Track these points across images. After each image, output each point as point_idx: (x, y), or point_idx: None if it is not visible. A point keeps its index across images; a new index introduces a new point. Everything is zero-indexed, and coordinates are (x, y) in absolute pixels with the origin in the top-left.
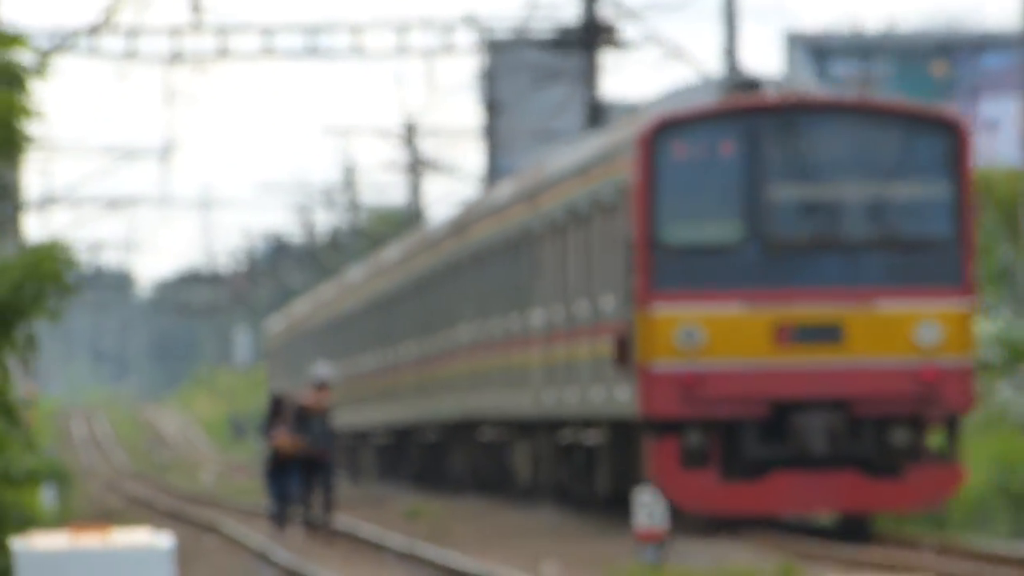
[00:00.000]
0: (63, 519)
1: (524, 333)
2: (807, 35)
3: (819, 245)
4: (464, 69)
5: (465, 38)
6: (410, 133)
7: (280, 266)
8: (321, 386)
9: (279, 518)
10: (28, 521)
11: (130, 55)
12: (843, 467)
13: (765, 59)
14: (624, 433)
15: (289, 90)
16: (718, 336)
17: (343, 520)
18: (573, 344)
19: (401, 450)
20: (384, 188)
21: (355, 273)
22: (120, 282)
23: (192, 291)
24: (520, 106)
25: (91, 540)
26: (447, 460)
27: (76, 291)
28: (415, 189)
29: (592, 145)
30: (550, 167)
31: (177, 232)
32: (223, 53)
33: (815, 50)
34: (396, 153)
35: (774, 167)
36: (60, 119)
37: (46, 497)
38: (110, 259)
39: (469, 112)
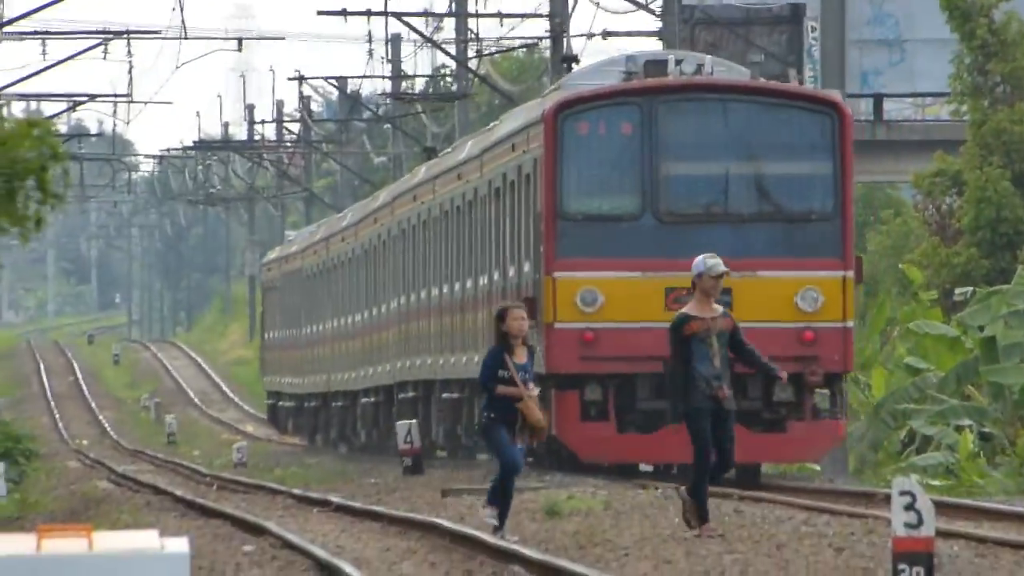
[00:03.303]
0: (22, 513)
1: (474, 295)
2: None
3: (709, 219)
4: None
5: None
6: None
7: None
8: (707, 281)
9: (500, 500)
10: None
11: None
12: None
13: None
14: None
15: None
16: (615, 299)
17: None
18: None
19: (389, 407)
20: None
21: (346, 217)
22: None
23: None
24: None
25: (65, 544)
26: (423, 417)
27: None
28: None
29: (521, 117)
30: (496, 133)
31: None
32: None
33: None
34: None
35: (669, 145)
36: None
37: None
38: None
39: None
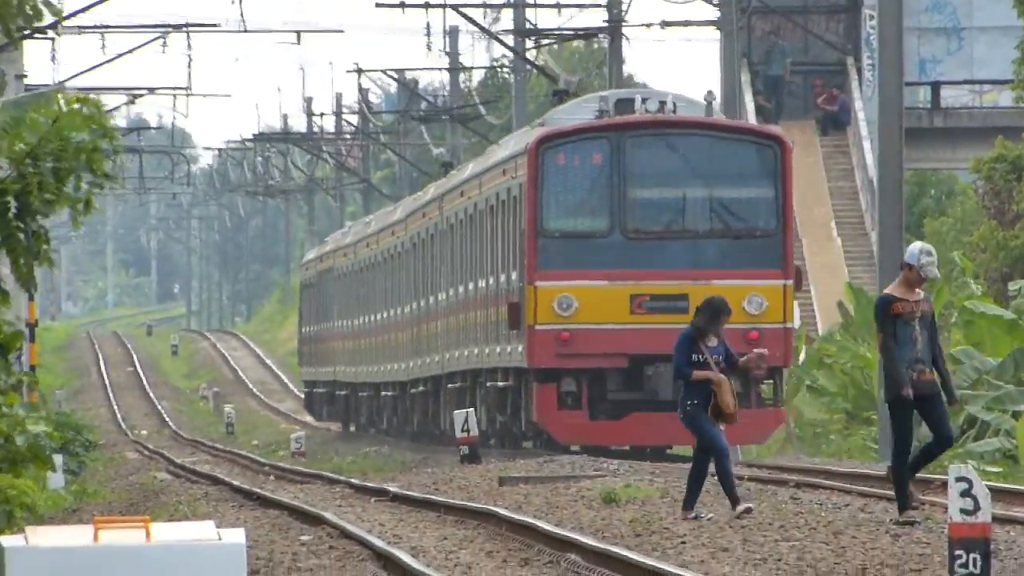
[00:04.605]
0: (80, 504)
1: (473, 297)
2: None
3: (669, 235)
4: None
5: None
6: None
7: None
8: (915, 275)
9: (693, 491)
10: (24, 508)
11: None
12: None
13: None
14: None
15: None
16: (587, 305)
17: (514, 506)
18: (498, 308)
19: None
20: None
21: (372, 222)
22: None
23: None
24: None
25: (122, 535)
26: (434, 409)
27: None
28: None
29: (510, 145)
30: (493, 157)
31: None
32: None
33: None
34: None
35: (634, 173)
36: None
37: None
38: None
39: None
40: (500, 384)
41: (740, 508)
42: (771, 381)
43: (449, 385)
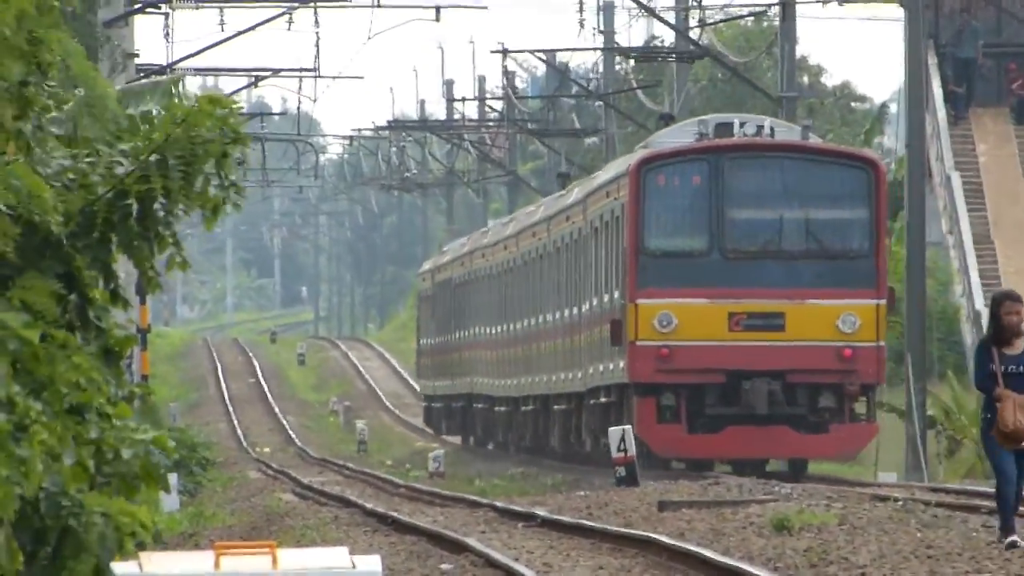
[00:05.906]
0: (197, 529)
1: (578, 320)
2: None
3: (766, 255)
4: None
5: None
6: None
7: None
8: None
9: (1005, 514)
10: (133, 533)
11: None
12: (780, 423)
13: None
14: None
15: None
16: (687, 322)
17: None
18: (602, 328)
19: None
20: None
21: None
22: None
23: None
24: None
25: (247, 562)
26: (544, 426)
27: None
28: None
29: (613, 168)
30: (598, 179)
31: None
32: None
33: None
34: None
35: (732, 194)
36: None
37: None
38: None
39: None
40: (603, 400)
41: (1007, 540)
42: (864, 398)
43: (555, 407)
